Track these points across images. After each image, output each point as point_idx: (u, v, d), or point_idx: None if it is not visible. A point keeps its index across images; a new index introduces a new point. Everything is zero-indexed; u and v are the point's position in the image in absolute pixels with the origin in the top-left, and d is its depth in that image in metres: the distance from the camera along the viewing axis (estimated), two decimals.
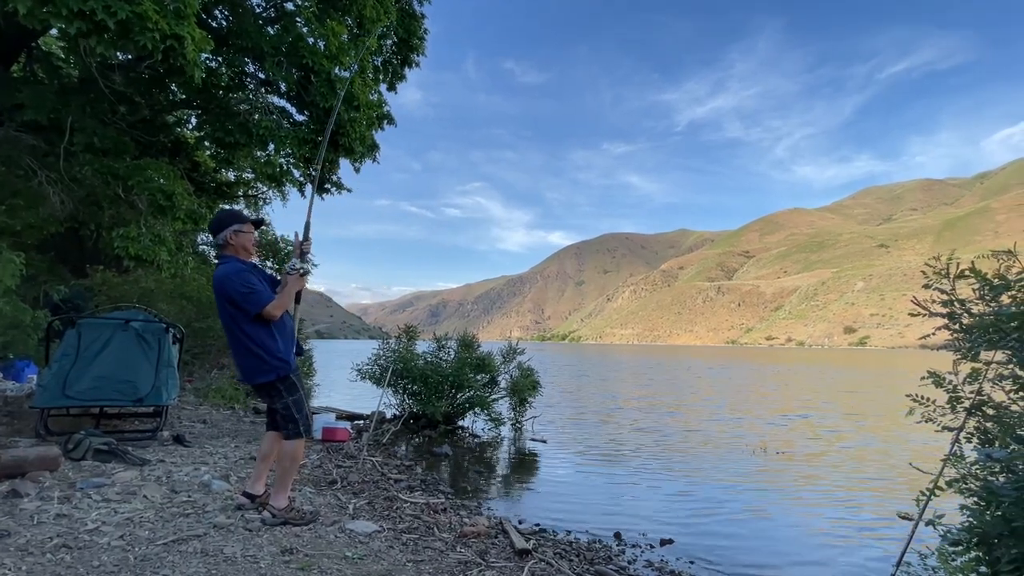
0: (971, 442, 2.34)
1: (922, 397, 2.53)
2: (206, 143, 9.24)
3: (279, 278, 3.18)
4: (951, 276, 2.44)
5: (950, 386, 2.49)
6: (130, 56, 7.14)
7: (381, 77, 9.71)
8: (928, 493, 2.14)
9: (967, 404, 2.41)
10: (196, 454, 4.55)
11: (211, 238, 3.06)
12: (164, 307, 8.86)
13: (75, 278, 9.77)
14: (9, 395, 6.05)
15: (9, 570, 2.13)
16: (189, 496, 3.31)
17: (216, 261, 3.06)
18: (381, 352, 8.65)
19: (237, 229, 2.98)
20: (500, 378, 8.82)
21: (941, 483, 2.10)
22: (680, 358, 54.15)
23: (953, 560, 2.10)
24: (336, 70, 7.33)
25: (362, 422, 8.57)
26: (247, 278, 2.88)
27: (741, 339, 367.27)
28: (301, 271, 3.06)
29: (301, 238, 3.18)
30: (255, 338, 2.88)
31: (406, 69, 10.12)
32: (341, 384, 13.51)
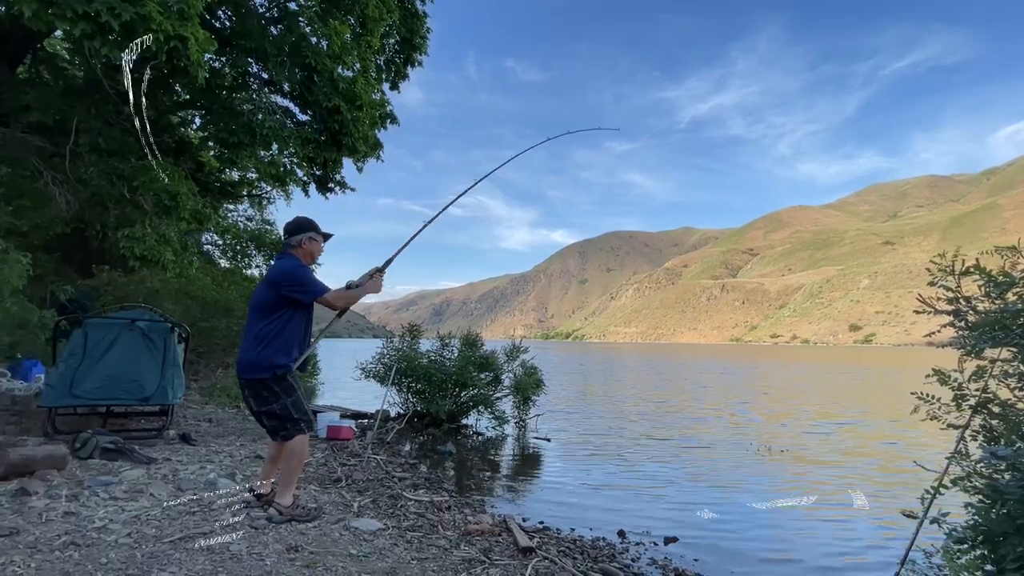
0: (976, 440, 2.33)
1: (927, 395, 2.52)
2: (210, 143, 9.28)
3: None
4: (956, 273, 2.43)
5: (955, 384, 2.48)
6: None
7: (384, 76, 9.72)
8: (933, 491, 2.13)
9: (972, 402, 2.40)
10: (202, 452, 4.59)
11: (285, 237, 3.21)
12: (170, 307, 8.92)
13: (81, 278, 9.85)
14: (17, 395, 6.11)
15: (19, 567, 2.15)
16: (195, 494, 3.33)
17: (281, 252, 3.23)
18: (385, 351, 8.67)
19: (313, 236, 3.17)
20: (504, 376, 8.82)
21: (946, 481, 2.09)
22: (688, 357, 54.03)
23: (958, 558, 2.09)
24: (339, 70, 7.34)
25: (366, 420, 8.60)
26: (309, 272, 3.08)
27: (745, 337, 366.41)
28: (357, 286, 3.14)
29: (380, 267, 3.26)
30: (274, 330, 2.94)
31: (409, 68, 10.13)
32: (345, 383, 13.55)
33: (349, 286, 3.16)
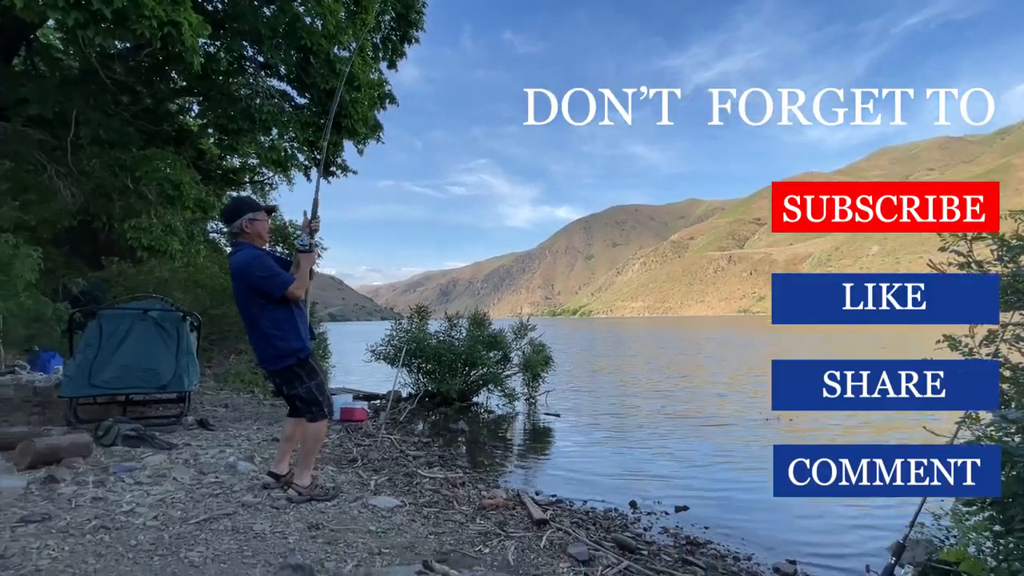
0: None
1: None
2: (209, 130, 9.22)
3: (291, 260, 3.25)
4: (968, 238, 2.40)
5: (966, 349, 2.48)
6: (128, 45, 7.09)
7: (381, 55, 9.55)
8: None
9: None
10: (220, 437, 4.69)
11: (225, 227, 3.09)
12: (180, 296, 9.02)
13: (91, 270, 9.95)
14: (38, 386, 6.23)
15: (53, 551, 2.24)
16: (216, 477, 3.42)
17: (230, 249, 3.08)
18: (394, 333, 8.75)
19: (252, 217, 3.00)
20: (512, 354, 8.90)
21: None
22: (695, 330, 54.01)
23: (967, 520, 2.12)
24: (335, 50, 7.22)
25: (379, 401, 8.74)
26: (267, 262, 2.93)
27: (753, 308, 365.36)
28: (310, 246, 3.10)
29: (309, 216, 3.22)
30: (274, 323, 2.93)
31: (405, 45, 9.93)
32: (356, 365, 13.73)
33: (300, 248, 3.09)
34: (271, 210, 3.21)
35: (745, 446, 6.19)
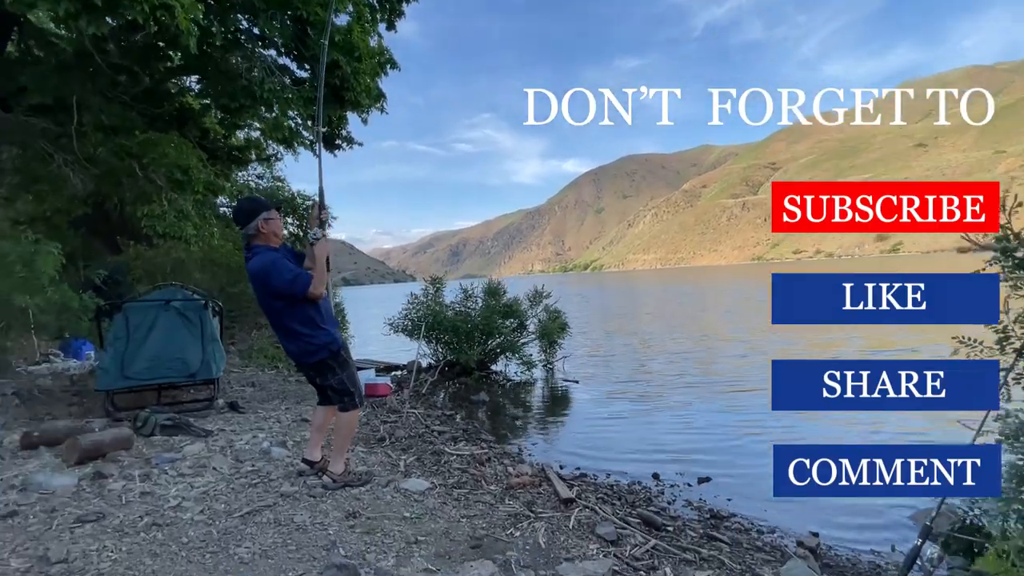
0: (1020, 383, 2.30)
1: (968, 337, 2.47)
2: (212, 107, 9.04)
3: (299, 248, 3.27)
4: (1008, 209, 2.30)
5: (1000, 325, 2.41)
6: (121, 23, 6.86)
7: (379, 16, 9.13)
8: (975, 434, 2.14)
9: (1017, 345, 2.35)
10: (251, 420, 4.86)
11: (239, 229, 3.08)
12: (197, 276, 9.14)
13: (109, 253, 10.10)
14: (74, 374, 6.49)
15: (111, 552, 2.37)
16: (253, 465, 3.56)
17: (245, 244, 3.08)
18: (411, 307, 8.86)
19: (267, 217, 3.01)
20: (528, 322, 8.97)
21: (989, 423, 2.10)
22: (714, 282, 53.59)
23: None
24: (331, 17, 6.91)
25: (400, 372, 8.94)
26: (285, 265, 2.94)
27: (767, 255, 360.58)
28: (322, 236, 3.09)
29: (318, 208, 3.20)
30: (300, 321, 2.99)
31: (404, 4, 9.47)
32: (374, 334, 13.95)
33: (312, 241, 3.08)
34: (279, 208, 3.20)
35: (765, 412, 6.20)
